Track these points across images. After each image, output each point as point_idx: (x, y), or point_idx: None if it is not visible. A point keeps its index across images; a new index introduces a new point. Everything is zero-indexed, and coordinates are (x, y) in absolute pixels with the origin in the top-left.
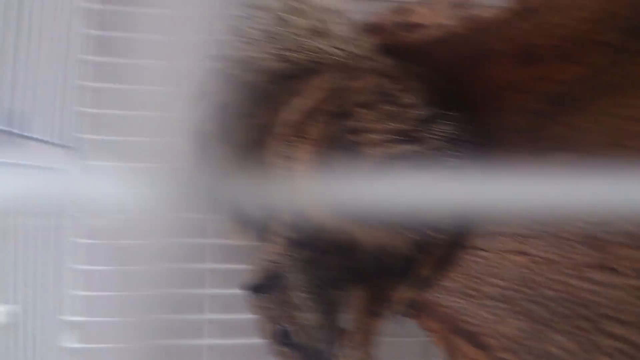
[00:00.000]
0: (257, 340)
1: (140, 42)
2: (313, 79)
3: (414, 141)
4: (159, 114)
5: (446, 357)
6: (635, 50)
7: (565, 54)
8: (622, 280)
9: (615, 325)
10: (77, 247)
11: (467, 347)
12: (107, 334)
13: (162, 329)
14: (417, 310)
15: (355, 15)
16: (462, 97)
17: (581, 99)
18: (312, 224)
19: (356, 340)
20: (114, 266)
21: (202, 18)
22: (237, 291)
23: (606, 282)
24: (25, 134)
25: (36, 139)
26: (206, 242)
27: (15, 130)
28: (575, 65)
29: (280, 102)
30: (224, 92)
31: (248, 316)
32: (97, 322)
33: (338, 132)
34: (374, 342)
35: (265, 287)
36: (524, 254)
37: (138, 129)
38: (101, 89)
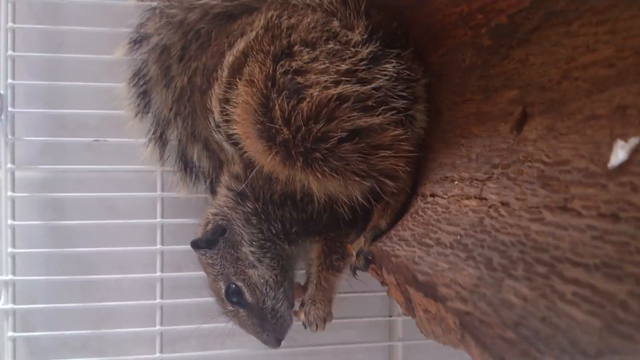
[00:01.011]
0: (209, 300)
1: None
2: (250, 16)
3: (359, 81)
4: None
5: (403, 310)
6: None
7: None
8: (581, 221)
9: (575, 270)
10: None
11: (423, 299)
12: (42, 293)
13: (112, 289)
14: (373, 262)
15: None
16: (409, 34)
17: (529, 30)
18: (262, 174)
19: (315, 296)
20: (50, 221)
21: None
22: (189, 247)
23: (564, 223)
24: None
25: None
26: (156, 195)
27: None
28: None
29: (219, 43)
30: (163, 34)
31: (200, 274)
32: (31, 282)
33: (280, 73)
34: (333, 297)
35: (212, 242)
36: (480, 198)
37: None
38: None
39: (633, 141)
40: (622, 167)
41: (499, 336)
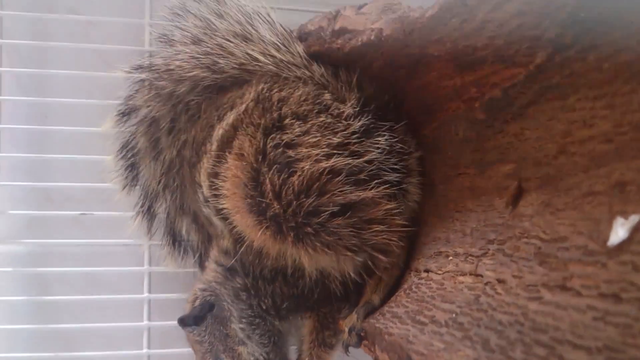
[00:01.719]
0: None
1: (60, 51)
2: (241, 89)
3: (351, 154)
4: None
5: None
6: (576, 46)
7: (505, 55)
8: (580, 301)
9: (576, 353)
10: None
11: None
12: None
13: None
14: (366, 339)
15: (285, 22)
16: (401, 107)
17: (524, 104)
18: (252, 249)
19: None
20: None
21: (127, 26)
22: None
23: (564, 303)
24: None
25: None
26: (143, 269)
27: None
28: (516, 67)
29: (209, 116)
30: (152, 106)
31: (189, 350)
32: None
33: (271, 147)
34: None
35: (199, 318)
36: (476, 275)
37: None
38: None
39: (633, 219)
40: (623, 246)
41: None
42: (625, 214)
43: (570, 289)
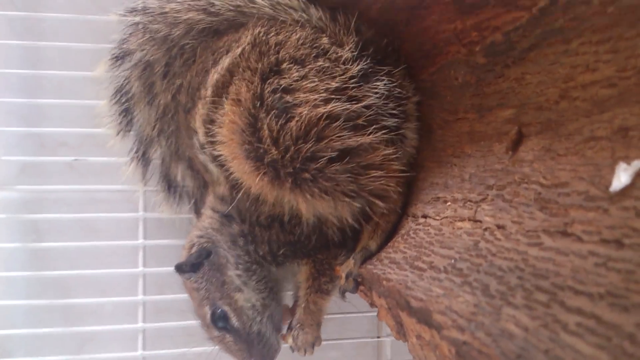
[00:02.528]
0: (194, 324)
1: None
2: (237, 33)
3: (349, 99)
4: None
5: (394, 334)
6: None
7: None
8: (582, 247)
9: (578, 298)
10: None
11: (416, 325)
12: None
13: (93, 313)
14: (363, 284)
15: None
16: (399, 51)
17: (526, 48)
18: (249, 195)
19: (304, 320)
20: (29, 243)
21: None
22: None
23: (565, 249)
24: None
25: None
26: (138, 215)
27: None
28: (518, 10)
29: (205, 60)
30: (146, 50)
31: (185, 297)
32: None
33: (268, 92)
34: (322, 321)
35: (196, 265)
36: (475, 220)
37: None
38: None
39: (636, 164)
40: (625, 191)
41: None
42: (627, 160)
43: (571, 235)
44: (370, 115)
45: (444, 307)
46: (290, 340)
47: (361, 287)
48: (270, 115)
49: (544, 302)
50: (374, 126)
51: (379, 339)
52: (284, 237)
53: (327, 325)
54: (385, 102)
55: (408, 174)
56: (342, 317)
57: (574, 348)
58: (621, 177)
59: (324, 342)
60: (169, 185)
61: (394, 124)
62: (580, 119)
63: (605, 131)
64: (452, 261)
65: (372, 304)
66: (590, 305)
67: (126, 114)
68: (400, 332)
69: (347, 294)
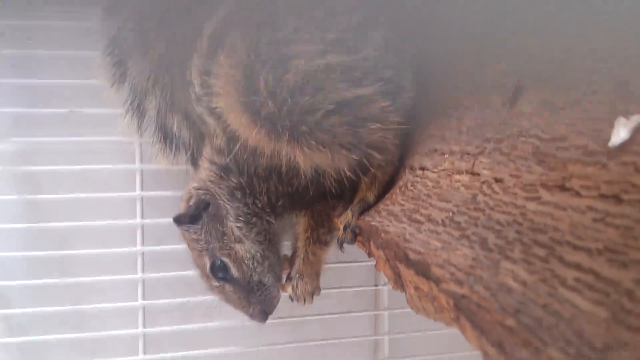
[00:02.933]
0: (192, 272)
1: None
2: None
3: (346, 51)
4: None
5: (392, 285)
6: None
7: None
8: (580, 202)
9: (576, 253)
10: None
11: (414, 277)
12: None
13: (91, 264)
14: (361, 235)
15: None
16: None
17: None
18: (246, 147)
19: (303, 270)
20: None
21: None
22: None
23: (563, 203)
24: None
25: None
26: (135, 167)
27: None
28: None
29: (200, 11)
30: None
31: (182, 246)
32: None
33: (264, 44)
34: (320, 271)
35: (195, 217)
36: (472, 173)
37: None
38: None
39: (636, 118)
40: (624, 146)
41: (498, 322)
42: (627, 114)
43: (569, 189)
44: (367, 67)
45: (442, 260)
46: (289, 289)
47: (359, 238)
48: (266, 67)
49: (542, 257)
50: (371, 78)
51: (376, 288)
52: (282, 189)
53: (326, 274)
54: (383, 53)
55: (405, 126)
56: (340, 267)
57: (572, 303)
58: (620, 132)
59: (323, 291)
60: (165, 136)
61: (392, 76)
62: (580, 72)
63: (605, 84)
64: (450, 214)
65: (370, 255)
66: (589, 261)
67: (120, 65)
68: (398, 282)
69: (345, 246)
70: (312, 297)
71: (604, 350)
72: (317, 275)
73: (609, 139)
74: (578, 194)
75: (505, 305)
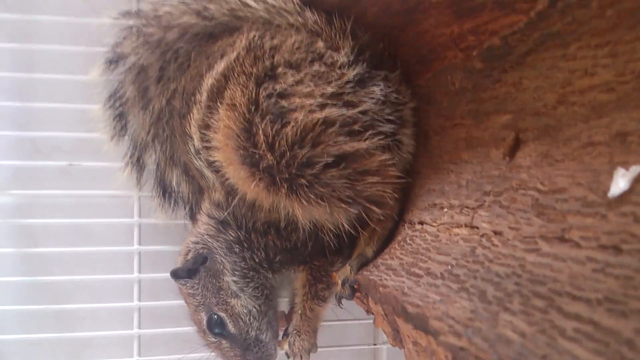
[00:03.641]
0: (189, 329)
1: None
2: (231, 37)
3: (345, 105)
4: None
5: (390, 341)
6: None
7: (505, 1)
8: (580, 253)
9: (575, 304)
10: None
11: (412, 331)
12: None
13: (87, 319)
14: (359, 291)
15: None
16: (396, 56)
17: (524, 52)
18: (244, 201)
19: (300, 327)
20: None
21: None
22: (167, 275)
23: (562, 255)
24: None
25: None
26: (133, 221)
27: None
28: (516, 14)
29: (199, 65)
30: (140, 54)
31: (180, 302)
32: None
33: (263, 97)
34: (318, 328)
35: (193, 271)
36: (472, 227)
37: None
38: (3, 50)
39: (635, 169)
40: (623, 197)
41: None
42: (626, 165)
43: (568, 241)
44: (366, 120)
45: (440, 312)
46: (286, 346)
47: (357, 294)
48: (265, 120)
49: (542, 308)
50: (370, 132)
51: (375, 346)
52: (280, 244)
53: (324, 332)
54: (382, 107)
55: (404, 180)
56: (339, 325)
57: (572, 354)
58: (619, 183)
59: (320, 350)
60: (164, 190)
61: (391, 130)
62: (578, 124)
63: (604, 136)
64: (449, 267)
65: (369, 311)
66: (588, 311)
67: (120, 119)
68: (397, 338)
69: (344, 302)
70: (309, 354)
71: None
72: (315, 332)
73: (608, 190)
74: (577, 245)
75: (503, 357)
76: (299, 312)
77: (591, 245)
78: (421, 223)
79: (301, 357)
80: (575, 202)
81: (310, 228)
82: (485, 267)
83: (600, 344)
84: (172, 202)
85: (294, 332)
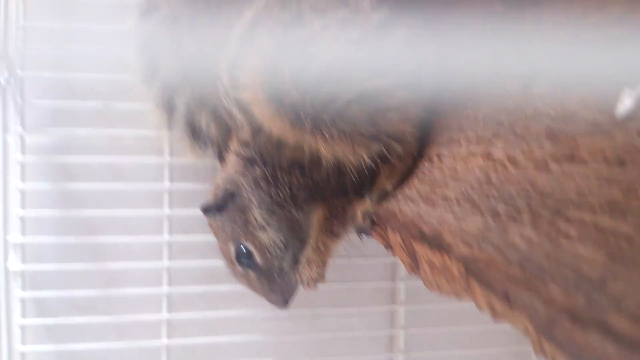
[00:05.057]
0: (216, 262)
1: None
2: None
3: (368, 47)
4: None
5: (407, 269)
6: None
7: None
8: (587, 168)
9: (580, 212)
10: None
11: (428, 252)
12: (51, 255)
13: (120, 251)
14: (378, 225)
15: None
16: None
17: None
18: (270, 139)
19: (312, 259)
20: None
21: None
22: (196, 212)
23: (571, 171)
24: None
25: None
26: (164, 161)
27: None
28: None
29: (228, 12)
30: (173, 4)
31: (207, 237)
32: (40, 243)
33: (291, 41)
34: (328, 262)
35: (221, 206)
36: (488, 157)
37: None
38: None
39: None
40: (630, 115)
41: (504, 274)
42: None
43: (577, 159)
44: (388, 62)
45: (454, 228)
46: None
47: (377, 229)
48: (291, 59)
49: (548, 218)
50: (392, 72)
51: (393, 282)
52: (303, 181)
53: (343, 269)
54: (405, 51)
55: (425, 117)
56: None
57: (574, 251)
58: (625, 101)
59: (340, 286)
60: (194, 131)
61: (412, 71)
62: None
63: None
64: (464, 192)
65: (387, 245)
66: (592, 216)
67: (152, 62)
68: (414, 265)
69: (362, 236)
70: (316, 284)
71: (600, 281)
72: (324, 264)
73: (615, 109)
74: (584, 162)
75: (511, 259)
76: (312, 244)
77: (597, 159)
78: (438, 156)
79: (308, 285)
80: (584, 124)
81: (333, 165)
82: (498, 189)
83: (600, 241)
84: (202, 142)
85: (305, 262)
